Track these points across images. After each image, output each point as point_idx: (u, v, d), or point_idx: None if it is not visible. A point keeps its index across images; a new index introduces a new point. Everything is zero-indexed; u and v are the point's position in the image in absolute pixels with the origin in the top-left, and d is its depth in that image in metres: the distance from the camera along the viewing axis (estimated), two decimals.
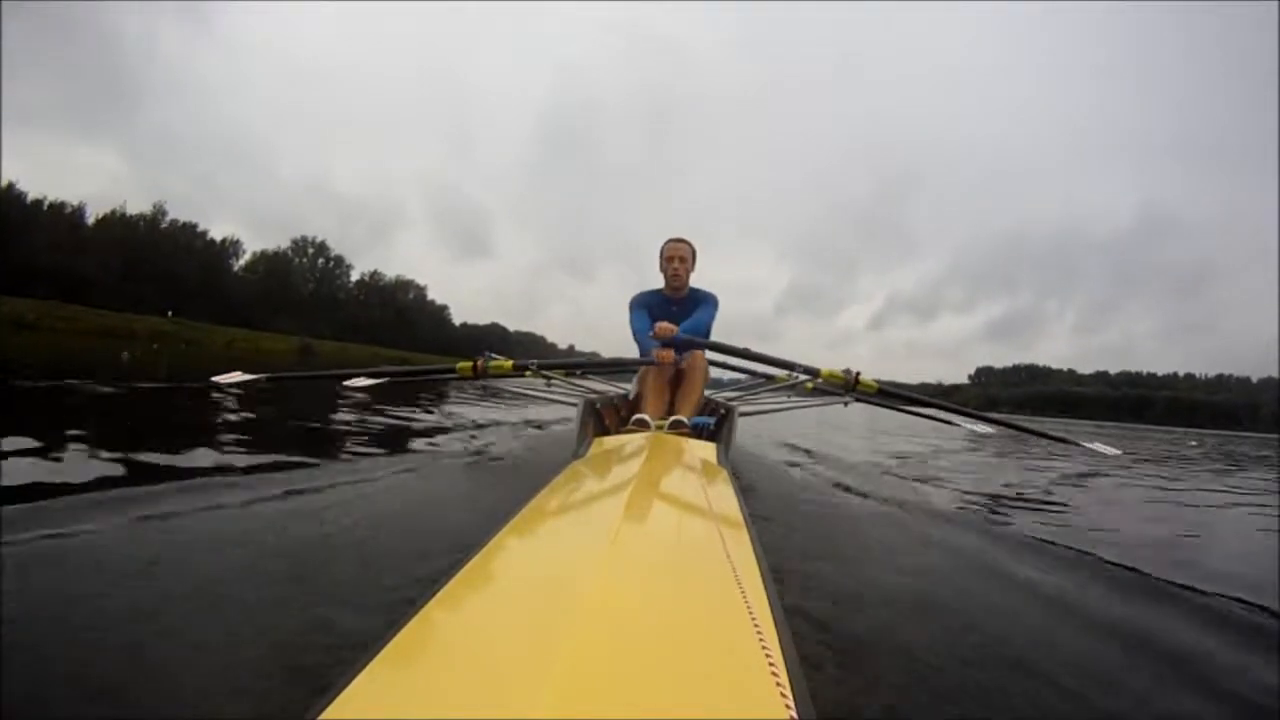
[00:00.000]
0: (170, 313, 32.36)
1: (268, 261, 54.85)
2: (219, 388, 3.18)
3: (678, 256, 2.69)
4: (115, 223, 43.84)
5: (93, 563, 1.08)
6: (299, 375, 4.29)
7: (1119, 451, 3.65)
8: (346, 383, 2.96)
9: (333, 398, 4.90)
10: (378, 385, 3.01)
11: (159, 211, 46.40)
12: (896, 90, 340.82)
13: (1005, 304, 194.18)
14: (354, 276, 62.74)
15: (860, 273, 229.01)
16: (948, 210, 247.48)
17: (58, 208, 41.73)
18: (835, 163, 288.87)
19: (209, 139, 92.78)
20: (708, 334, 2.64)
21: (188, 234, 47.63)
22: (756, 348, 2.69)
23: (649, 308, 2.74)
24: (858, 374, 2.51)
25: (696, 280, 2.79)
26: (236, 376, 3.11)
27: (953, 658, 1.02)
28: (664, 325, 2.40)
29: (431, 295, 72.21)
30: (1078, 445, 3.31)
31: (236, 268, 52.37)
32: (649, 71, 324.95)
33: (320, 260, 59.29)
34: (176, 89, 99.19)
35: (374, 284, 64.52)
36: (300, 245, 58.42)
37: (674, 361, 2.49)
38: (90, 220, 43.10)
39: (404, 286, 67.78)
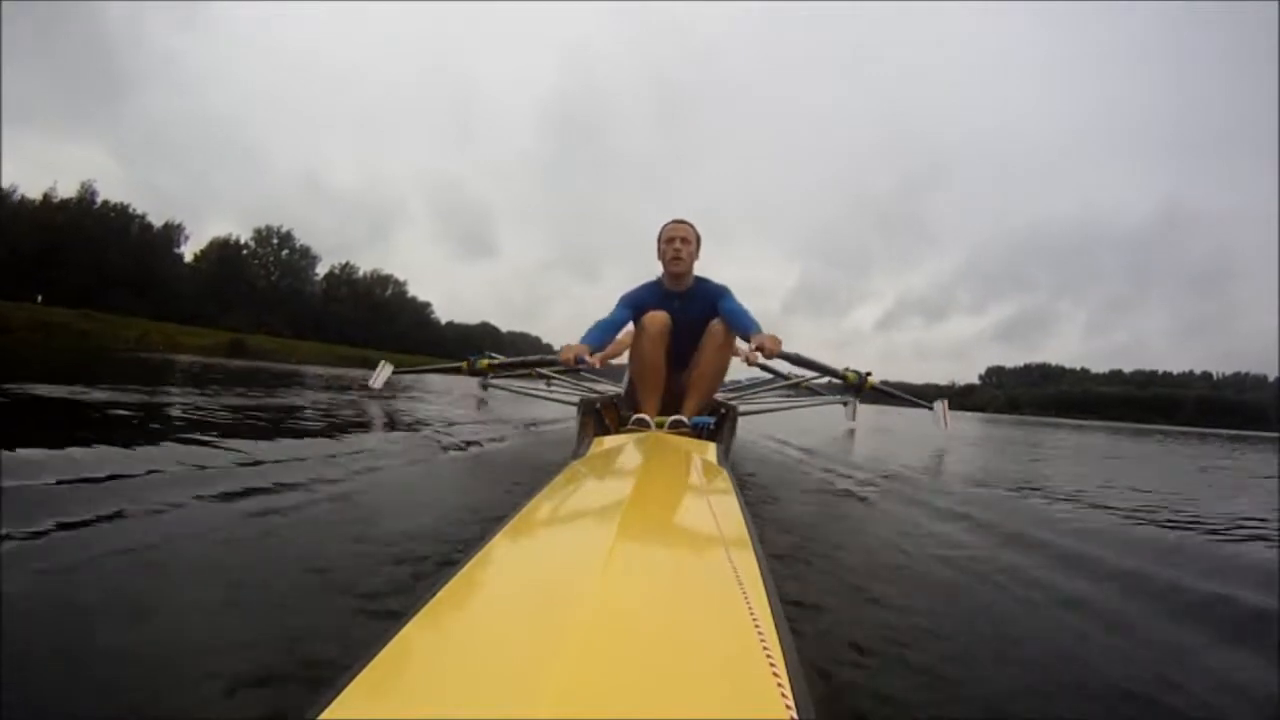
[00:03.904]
0: (40, 298, 26.96)
1: (220, 249, 49.77)
2: None
3: (679, 237, 2.34)
4: (39, 207, 38.54)
5: None
6: None
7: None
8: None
9: None
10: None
11: (86, 192, 40.75)
12: (920, 85, 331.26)
13: (1016, 304, 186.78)
14: (323, 269, 57.93)
15: (872, 272, 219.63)
16: (967, 207, 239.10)
17: None
18: (853, 157, 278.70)
19: (200, 135, 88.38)
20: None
21: (122, 218, 42.12)
22: None
23: (641, 305, 2.33)
24: (868, 374, 3.21)
25: (701, 274, 2.47)
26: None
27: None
28: (655, 314, 2.22)
29: (415, 292, 68.02)
30: None
31: (188, 256, 47.37)
32: (660, 58, 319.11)
33: (284, 251, 54.35)
34: (165, 82, 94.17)
35: (344, 277, 59.73)
36: (264, 235, 53.48)
37: (577, 361, 2.06)
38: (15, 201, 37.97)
39: (381, 281, 63.20)
